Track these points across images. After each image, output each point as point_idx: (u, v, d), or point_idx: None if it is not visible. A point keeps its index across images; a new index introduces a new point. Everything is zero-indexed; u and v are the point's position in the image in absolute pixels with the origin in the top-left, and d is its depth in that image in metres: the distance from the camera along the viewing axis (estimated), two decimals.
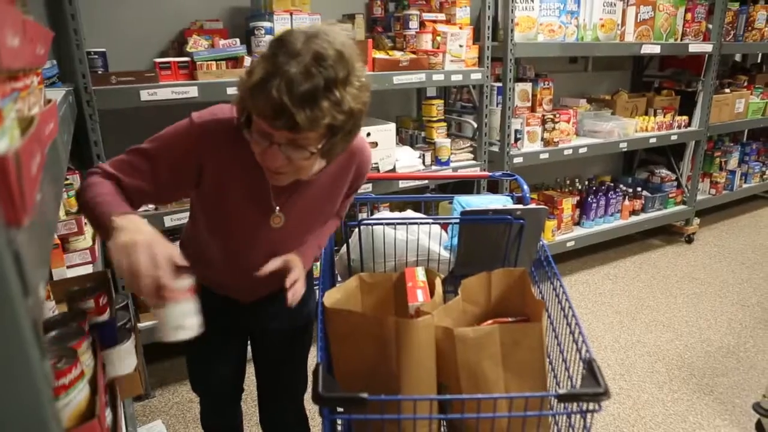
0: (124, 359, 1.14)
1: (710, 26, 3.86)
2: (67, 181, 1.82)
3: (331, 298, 1.26)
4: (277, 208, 1.24)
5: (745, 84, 4.50)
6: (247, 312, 1.44)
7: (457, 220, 1.46)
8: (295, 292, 1.24)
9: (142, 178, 1.13)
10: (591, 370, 1.01)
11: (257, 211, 1.24)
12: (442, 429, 1.30)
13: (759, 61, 5.20)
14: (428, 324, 1.12)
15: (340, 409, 1.10)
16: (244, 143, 1.09)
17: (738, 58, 5.11)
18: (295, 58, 0.96)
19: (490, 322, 1.27)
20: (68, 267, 1.58)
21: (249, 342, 1.58)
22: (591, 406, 1.02)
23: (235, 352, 1.56)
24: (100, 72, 2.15)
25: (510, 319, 1.29)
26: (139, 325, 2.35)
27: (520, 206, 1.49)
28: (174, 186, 1.20)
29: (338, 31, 1.06)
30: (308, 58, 0.96)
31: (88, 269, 1.60)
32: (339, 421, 1.34)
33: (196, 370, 1.56)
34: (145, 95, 2.13)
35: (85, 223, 1.69)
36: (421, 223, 1.51)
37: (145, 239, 0.91)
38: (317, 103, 0.97)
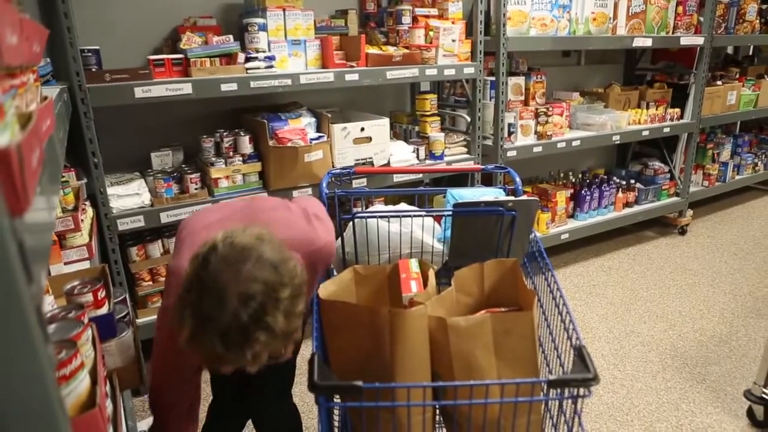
0: (123, 351, 1.16)
1: (701, 19, 3.89)
2: (63, 179, 1.83)
3: (326, 290, 1.28)
4: None
5: (737, 76, 4.53)
6: None
7: (450, 213, 1.48)
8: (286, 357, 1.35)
9: (184, 383, 1.28)
10: (581, 356, 1.04)
11: None
12: (435, 416, 1.32)
13: (751, 53, 5.24)
14: (421, 314, 1.14)
15: (336, 398, 1.12)
16: None
17: (730, 50, 5.14)
18: (222, 305, 0.94)
19: (482, 312, 1.29)
20: (65, 263, 1.59)
21: None
22: (581, 391, 1.04)
23: None
24: (94, 70, 2.16)
25: (502, 309, 1.31)
26: (138, 320, 2.37)
27: (512, 198, 1.51)
28: None
29: (264, 246, 1.02)
30: (235, 302, 0.94)
31: (85, 265, 1.61)
32: (336, 411, 1.36)
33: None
34: (139, 92, 2.14)
35: (82, 220, 1.70)
36: (415, 216, 1.53)
37: None
38: (254, 338, 0.96)
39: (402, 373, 1.14)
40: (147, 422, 2.14)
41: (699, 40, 3.85)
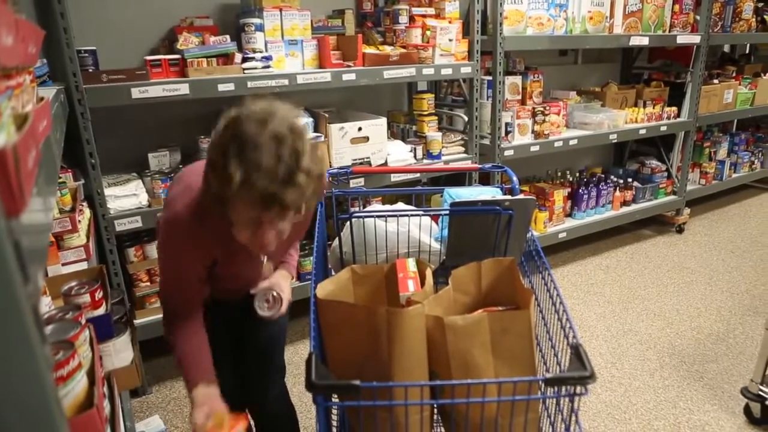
0: (121, 352, 1.16)
1: (698, 17, 3.90)
2: (60, 180, 1.83)
3: (324, 289, 1.28)
4: (265, 258, 1.46)
5: (734, 74, 4.55)
6: (237, 306, 1.54)
7: (447, 212, 1.48)
8: (281, 314, 1.45)
9: (191, 291, 1.32)
10: (577, 354, 1.04)
11: (250, 266, 1.45)
12: (433, 415, 1.32)
13: (747, 51, 5.25)
14: (419, 313, 1.14)
15: (334, 398, 1.12)
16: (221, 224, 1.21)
17: (726, 48, 5.15)
18: (262, 149, 1.05)
19: (480, 311, 1.29)
20: (63, 264, 1.58)
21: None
22: (578, 389, 1.04)
23: (233, 352, 1.63)
24: (90, 70, 2.15)
25: (500, 308, 1.31)
26: (135, 321, 2.37)
27: (509, 197, 1.52)
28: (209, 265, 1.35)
29: (278, 105, 1.15)
30: (272, 144, 1.06)
31: (83, 266, 1.61)
32: (334, 410, 1.37)
33: None
34: (136, 93, 2.14)
35: (79, 221, 1.70)
36: (412, 215, 1.53)
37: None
38: (296, 179, 1.07)
39: (400, 372, 1.14)
40: (145, 422, 2.14)
41: (695, 39, 3.86)
